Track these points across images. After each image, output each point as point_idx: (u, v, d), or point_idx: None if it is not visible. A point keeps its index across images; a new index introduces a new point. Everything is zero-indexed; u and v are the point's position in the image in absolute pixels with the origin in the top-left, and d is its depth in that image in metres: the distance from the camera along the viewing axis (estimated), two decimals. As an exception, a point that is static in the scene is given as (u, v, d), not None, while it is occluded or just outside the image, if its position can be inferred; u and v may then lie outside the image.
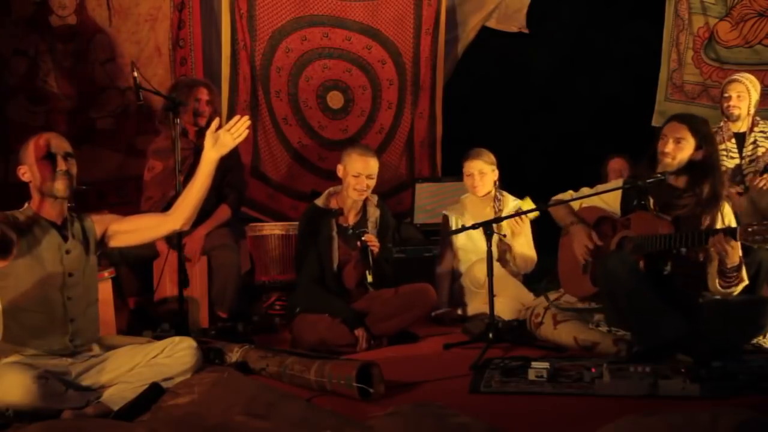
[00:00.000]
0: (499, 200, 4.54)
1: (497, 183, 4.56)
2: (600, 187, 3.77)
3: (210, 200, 4.34)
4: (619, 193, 3.62)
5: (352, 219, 4.04)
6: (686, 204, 3.41)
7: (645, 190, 3.49)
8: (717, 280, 3.31)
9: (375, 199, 4.12)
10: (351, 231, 3.93)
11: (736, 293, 3.35)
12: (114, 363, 2.86)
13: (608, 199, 3.68)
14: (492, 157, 4.52)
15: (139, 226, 3.04)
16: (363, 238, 3.86)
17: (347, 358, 3.27)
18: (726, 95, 4.42)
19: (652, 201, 3.50)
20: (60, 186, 2.83)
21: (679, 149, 3.38)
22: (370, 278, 3.83)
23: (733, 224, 3.46)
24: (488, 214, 4.43)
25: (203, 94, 4.39)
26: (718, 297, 3.40)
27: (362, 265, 3.87)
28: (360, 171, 3.93)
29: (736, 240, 3.10)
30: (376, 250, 3.86)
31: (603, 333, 3.53)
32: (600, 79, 5.79)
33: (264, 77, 5.68)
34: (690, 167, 3.39)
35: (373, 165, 3.97)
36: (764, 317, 3.22)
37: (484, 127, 5.84)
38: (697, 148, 3.39)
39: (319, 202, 4.04)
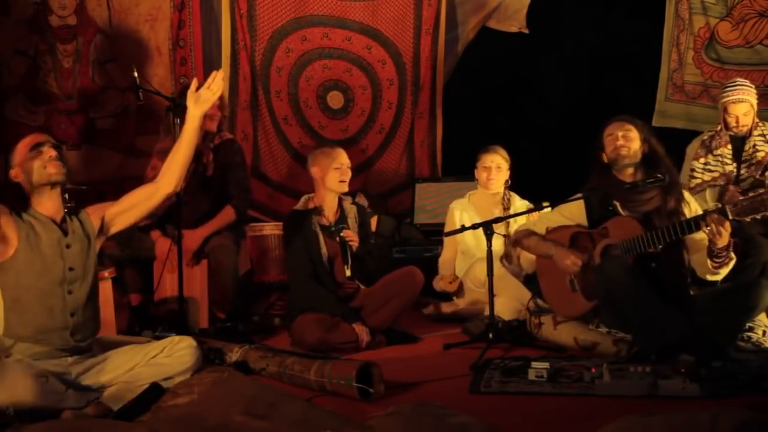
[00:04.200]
0: (508, 200, 4.55)
1: (508, 183, 4.57)
2: (561, 204, 3.78)
3: (212, 203, 4.36)
4: (581, 205, 3.67)
5: (332, 218, 4.12)
6: (651, 196, 3.50)
7: (608, 196, 3.59)
8: (708, 262, 3.35)
9: (348, 198, 4.25)
10: (333, 228, 4.03)
11: (726, 272, 3.40)
12: (114, 363, 2.86)
13: (571, 214, 3.72)
14: (508, 156, 4.55)
15: (135, 202, 3.03)
16: (341, 234, 4.00)
17: (347, 358, 3.27)
18: (731, 114, 4.31)
19: (618, 205, 3.54)
20: (53, 170, 2.84)
21: (629, 140, 3.58)
22: (348, 273, 3.99)
23: (699, 209, 3.56)
24: (495, 213, 4.43)
25: None
26: (708, 289, 3.46)
27: (342, 260, 4.00)
28: (342, 162, 4.07)
29: (727, 218, 3.13)
30: (354, 245, 4.02)
31: (603, 333, 3.53)
32: (600, 79, 5.79)
33: (264, 77, 5.69)
34: (642, 161, 3.57)
35: (346, 156, 4.13)
36: (754, 298, 3.26)
37: (484, 127, 5.84)
38: (642, 141, 3.58)
39: (298, 206, 4.15)
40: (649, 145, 3.59)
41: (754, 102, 4.31)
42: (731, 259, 3.36)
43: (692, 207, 3.57)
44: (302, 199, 4.19)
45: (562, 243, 3.68)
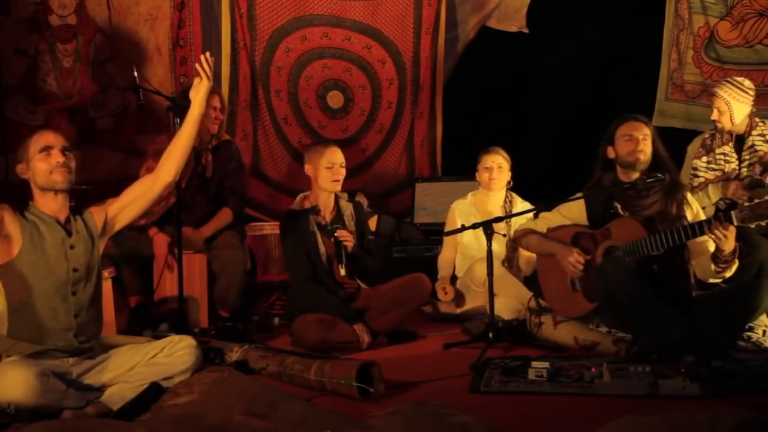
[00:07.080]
0: (510, 201, 4.55)
1: (510, 184, 4.57)
2: (561, 203, 3.78)
3: (211, 204, 4.36)
4: (581, 205, 3.67)
5: (328, 216, 4.09)
6: (654, 201, 3.51)
7: (610, 198, 3.59)
8: (711, 266, 3.36)
9: (345, 195, 4.22)
10: (329, 227, 4.00)
11: (730, 274, 3.41)
12: (114, 363, 2.86)
13: (570, 214, 3.72)
14: (508, 156, 4.56)
15: (136, 195, 3.02)
16: (335, 234, 3.95)
17: (347, 357, 3.27)
18: (711, 106, 4.38)
19: (620, 206, 3.54)
20: (58, 177, 2.83)
21: (648, 146, 3.57)
22: (342, 272, 3.95)
23: (701, 212, 3.58)
24: (497, 214, 4.43)
25: (216, 102, 4.37)
26: (708, 289, 3.47)
27: (336, 259, 3.97)
28: (333, 161, 3.99)
29: (732, 224, 3.13)
30: (349, 245, 3.97)
31: (603, 333, 3.53)
32: (600, 79, 5.79)
33: (264, 77, 5.69)
34: (649, 163, 3.57)
35: (340, 154, 4.05)
36: (755, 300, 3.26)
37: (484, 127, 5.84)
38: (652, 143, 3.59)
39: (294, 206, 4.11)
40: (656, 147, 3.59)
41: (733, 102, 4.26)
42: (735, 262, 3.36)
43: (694, 209, 3.58)
44: (298, 198, 4.15)
45: (564, 242, 3.68)
